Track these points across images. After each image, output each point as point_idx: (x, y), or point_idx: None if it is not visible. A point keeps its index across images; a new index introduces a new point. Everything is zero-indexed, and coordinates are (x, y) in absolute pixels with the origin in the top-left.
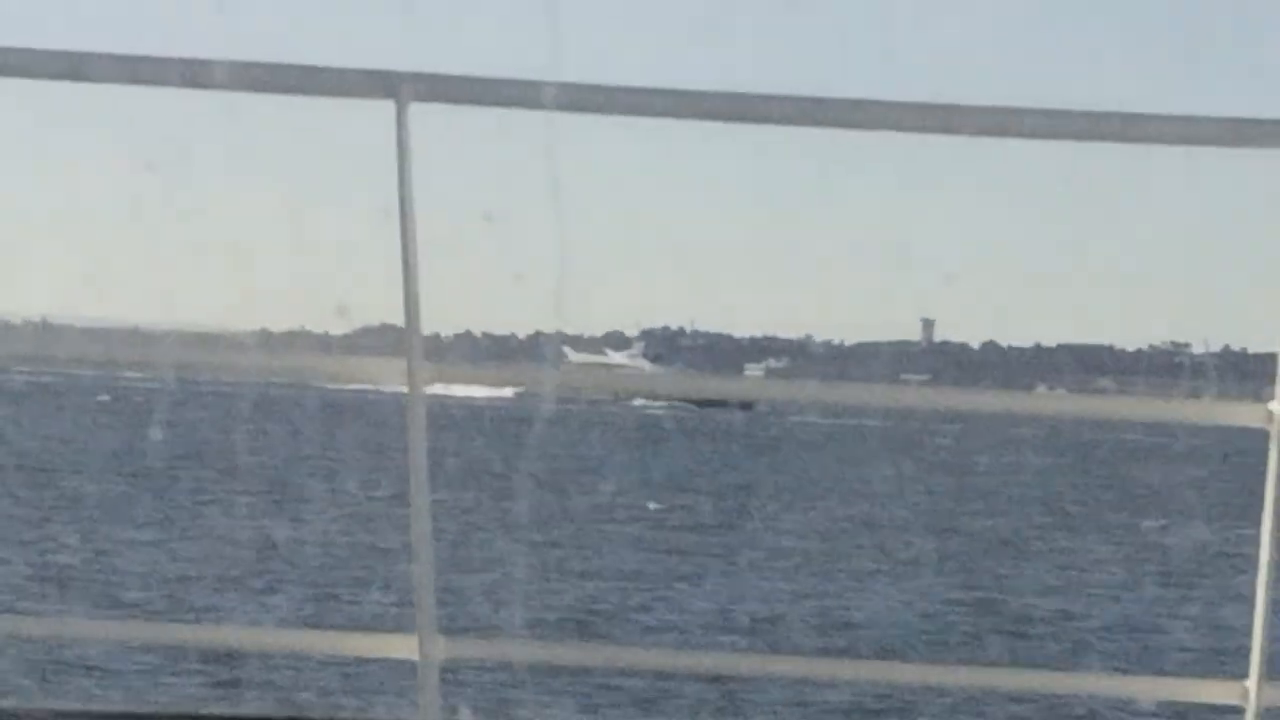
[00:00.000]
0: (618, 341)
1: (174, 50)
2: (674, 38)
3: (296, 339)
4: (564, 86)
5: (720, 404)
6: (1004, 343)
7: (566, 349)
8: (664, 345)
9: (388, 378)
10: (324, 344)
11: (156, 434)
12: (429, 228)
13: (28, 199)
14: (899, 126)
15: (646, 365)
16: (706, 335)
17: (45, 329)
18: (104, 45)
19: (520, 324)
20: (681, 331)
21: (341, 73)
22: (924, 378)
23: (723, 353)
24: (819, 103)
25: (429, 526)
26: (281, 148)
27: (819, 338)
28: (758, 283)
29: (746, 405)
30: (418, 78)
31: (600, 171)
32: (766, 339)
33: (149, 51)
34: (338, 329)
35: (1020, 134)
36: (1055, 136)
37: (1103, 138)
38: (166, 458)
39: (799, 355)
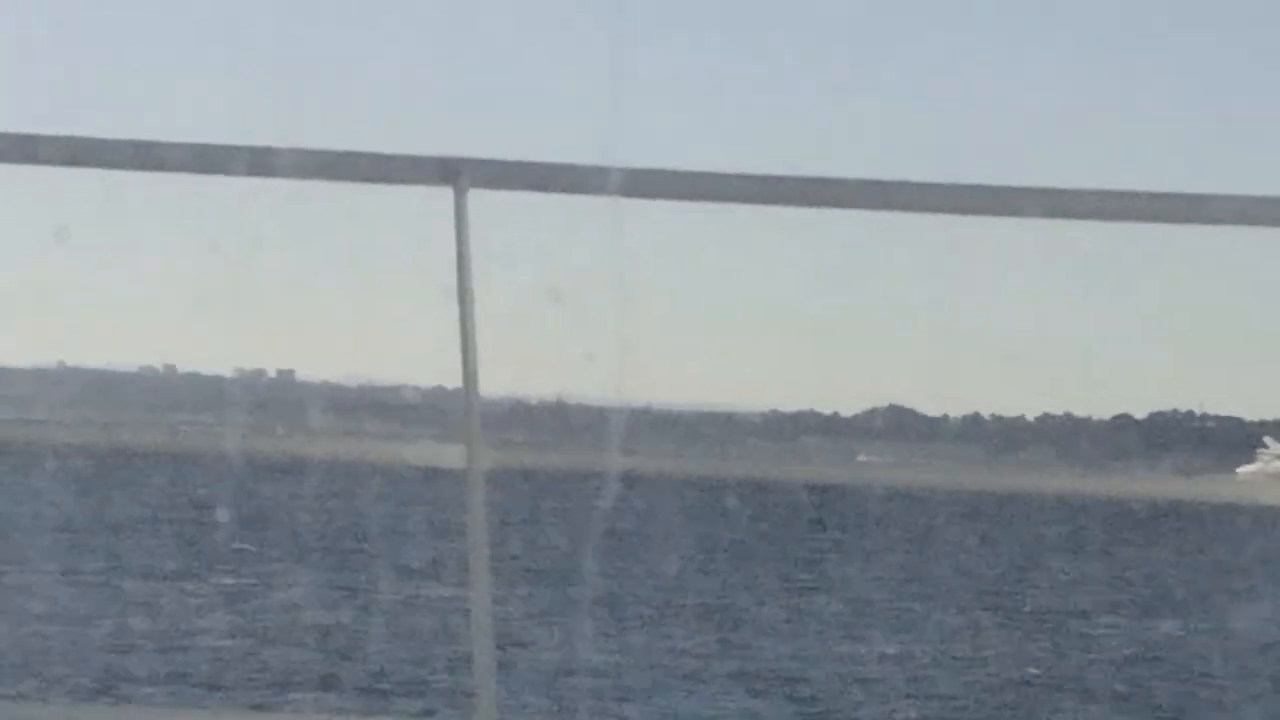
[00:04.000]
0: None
1: (237, 139)
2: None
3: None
4: (624, 171)
5: None
6: None
7: (1268, 438)
8: None
9: (447, 460)
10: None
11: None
12: (492, 307)
13: (95, 283)
14: (979, 210)
15: None
16: (1215, 418)
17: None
18: (170, 135)
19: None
20: (1180, 412)
21: (400, 159)
22: None
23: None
24: (900, 186)
25: (489, 613)
26: (346, 231)
27: None
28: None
29: None
30: (477, 163)
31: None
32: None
33: (214, 140)
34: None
35: None
36: None
37: None
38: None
39: None
